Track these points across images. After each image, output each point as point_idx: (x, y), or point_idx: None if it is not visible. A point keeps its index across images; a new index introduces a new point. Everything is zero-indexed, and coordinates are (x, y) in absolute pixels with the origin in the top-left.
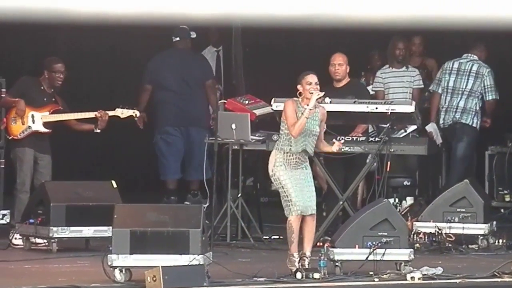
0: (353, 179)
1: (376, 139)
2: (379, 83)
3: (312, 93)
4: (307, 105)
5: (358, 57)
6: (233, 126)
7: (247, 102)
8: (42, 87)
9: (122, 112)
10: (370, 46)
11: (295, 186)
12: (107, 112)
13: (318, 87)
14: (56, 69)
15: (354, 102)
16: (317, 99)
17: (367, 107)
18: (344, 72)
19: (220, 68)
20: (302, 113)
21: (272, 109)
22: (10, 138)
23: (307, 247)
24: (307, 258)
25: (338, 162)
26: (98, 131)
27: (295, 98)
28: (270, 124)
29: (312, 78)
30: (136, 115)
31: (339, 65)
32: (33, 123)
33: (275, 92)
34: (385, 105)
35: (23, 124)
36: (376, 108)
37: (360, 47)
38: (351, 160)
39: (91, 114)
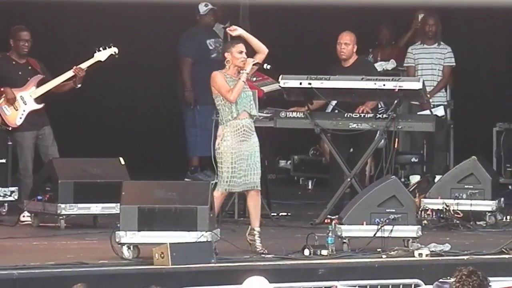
0: (359, 155)
1: (384, 115)
2: (410, 58)
3: (245, 59)
4: (242, 70)
5: (366, 34)
6: None
7: (254, 79)
8: (13, 62)
9: (102, 55)
10: (379, 23)
11: (234, 163)
12: (87, 61)
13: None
14: (21, 37)
15: (362, 79)
16: (253, 64)
17: (375, 84)
18: (350, 52)
19: None
20: (234, 80)
21: (279, 86)
22: (10, 129)
23: (254, 222)
24: (256, 232)
25: (344, 138)
26: (79, 86)
27: (219, 71)
28: (278, 101)
29: (243, 47)
30: (115, 52)
31: (345, 44)
32: (25, 104)
33: (282, 69)
34: (393, 82)
35: (16, 110)
36: (384, 85)
37: (369, 24)
38: (358, 137)
39: (70, 73)
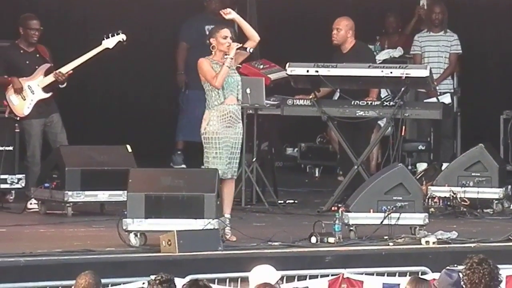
0: (358, 143)
1: (391, 103)
2: (416, 46)
3: (230, 44)
4: (226, 55)
5: (373, 22)
6: (248, 90)
7: (261, 66)
8: (21, 51)
9: (110, 42)
10: (386, 11)
11: (220, 149)
12: (95, 49)
13: (232, 41)
14: (32, 26)
15: (369, 67)
16: (236, 49)
17: (382, 71)
18: (343, 37)
19: (235, 32)
20: (220, 65)
21: (286, 73)
22: (18, 118)
23: (226, 209)
24: (226, 219)
25: (346, 125)
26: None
27: (206, 57)
28: (285, 88)
29: (227, 32)
30: (123, 39)
31: (337, 29)
32: (33, 93)
33: (289, 57)
34: (400, 70)
35: (24, 100)
36: (391, 72)
37: (375, 12)
38: (357, 124)
39: (85, 57)
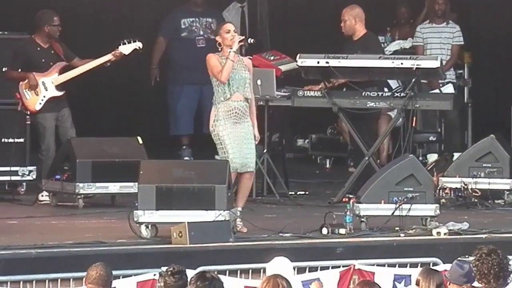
0: (361, 133)
1: (402, 94)
2: (418, 37)
3: (233, 36)
4: (229, 49)
5: (385, 13)
6: (259, 82)
7: (272, 58)
8: (38, 48)
9: (126, 49)
10: (397, 2)
11: (233, 143)
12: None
13: (236, 34)
14: (55, 23)
15: (380, 58)
16: (239, 41)
17: (393, 62)
18: (350, 27)
19: (245, 24)
20: (226, 59)
21: (297, 64)
22: (29, 113)
23: (239, 202)
24: (238, 212)
25: (347, 114)
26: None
27: (216, 53)
28: (296, 79)
29: (230, 26)
30: (139, 47)
31: (343, 21)
32: (46, 90)
33: (300, 48)
34: (410, 61)
35: (37, 95)
36: (402, 63)
37: (386, 3)
38: (360, 114)
39: (101, 60)
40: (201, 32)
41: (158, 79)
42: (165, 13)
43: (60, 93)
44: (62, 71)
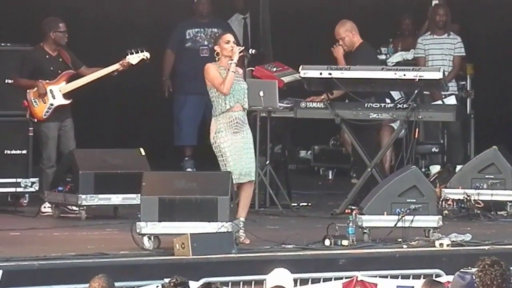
0: (362, 144)
1: (404, 105)
2: (420, 49)
3: (232, 47)
4: (229, 61)
5: (387, 24)
6: (261, 93)
7: (275, 69)
8: (47, 56)
9: (133, 59)
10: (400, 12)
11: (234, 155)
12: (117, 64)
13: (235, 45)
14: (61, 29)
15: (382, 69)
16: (239, 52)
17: (395, 73)
18: (350, 43)
19: (247, 36)
20: (227, 70)
21: (300, 76)
22: (36, 121)
23: (241, 212)
24: (241, 222)
25: (349, 125)
26: (115, 73)
27: (213, 63)
28: (298, 91)
29: (229, 37)
30: (147, 57)
31: (342, 39)
32: (54, 98)
33: (303, 59)
34: (413, 72)
35: (44, 103)
36: (404, 74)
37: (389, 14)
38: (361, 126)
39: (108, 69)
40: (205, 42)
41: (172, 90)
42: (169, 20)
43: (67, 102)
44: (69, 79)
